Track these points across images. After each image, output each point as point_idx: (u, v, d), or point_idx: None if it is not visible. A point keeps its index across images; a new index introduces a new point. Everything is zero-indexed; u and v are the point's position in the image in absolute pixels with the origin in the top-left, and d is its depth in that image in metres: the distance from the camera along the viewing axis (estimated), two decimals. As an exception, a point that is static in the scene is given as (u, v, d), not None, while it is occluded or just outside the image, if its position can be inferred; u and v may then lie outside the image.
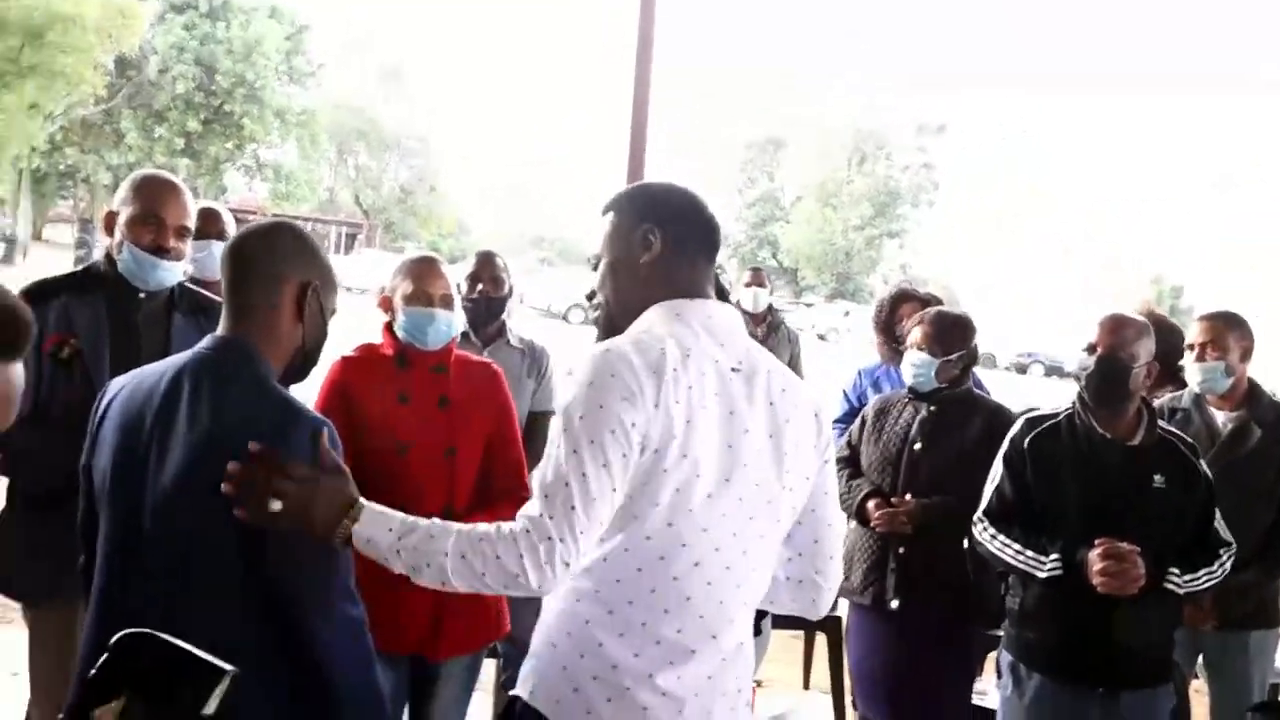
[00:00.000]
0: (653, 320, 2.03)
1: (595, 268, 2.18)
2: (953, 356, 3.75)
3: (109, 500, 2.11)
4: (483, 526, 1.87)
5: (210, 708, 1.22)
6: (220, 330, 2.15)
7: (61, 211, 45.73)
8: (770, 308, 6.55)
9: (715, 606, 1.97)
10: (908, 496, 3.70)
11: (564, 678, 1.94)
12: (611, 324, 2.14)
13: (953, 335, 3.78)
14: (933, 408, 3.76)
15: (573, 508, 1.82)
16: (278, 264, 2.14)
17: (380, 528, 1.90)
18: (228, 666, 1.25)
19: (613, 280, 2.13)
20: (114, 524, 2.10)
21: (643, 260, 2.08)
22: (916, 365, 3.77)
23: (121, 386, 2.17)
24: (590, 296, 2.20)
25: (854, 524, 3.79)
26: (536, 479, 1.90)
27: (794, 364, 6.08)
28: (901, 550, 3.71)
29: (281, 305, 2.13)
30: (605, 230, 2.15)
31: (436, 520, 1.93)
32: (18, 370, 1.14)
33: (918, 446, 3.74)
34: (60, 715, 1.47)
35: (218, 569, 1.99)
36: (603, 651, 1.93)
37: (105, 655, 1.28)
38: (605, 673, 1.92)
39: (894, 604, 3.69)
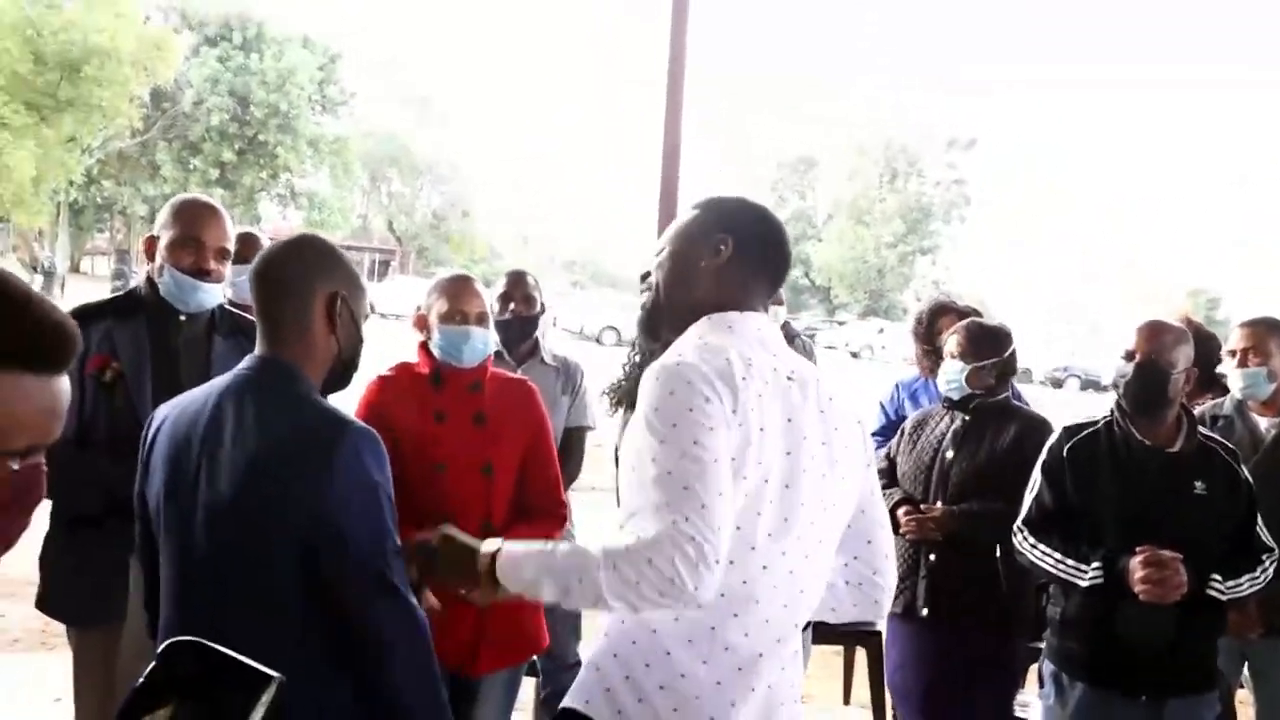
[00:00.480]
0: (704, 331, 2.02)
1: (659, 253, 2.16)
2: (985, 363, 3.74)
3: (164, 525, 2.14)
4: (624, 537, 1.82)
5: (257, 715, 1.22)
6: (257, 350, 2.16)
7: (98, 244, 46.25)
8: (785, 323, 6.57)
9: (780, 610, 1.96)
10: (938, 504, 3.69)
11: (627, 687, 1.92)
12: (655, 308, 2.14)
13: (984, 342, 3.77)
14: (967, 417, 3.75)
15: (703, 506, 1.76)
16: (303, 279, 2.15)
17: (521, 551, 1.93)
18: (274, 673, 1.25)
19: (670, 268, 2.12)
20: (171, 548, 2.13)
21: (704, 264, 2.07)
22: (949, 373, 3.77)
23: (168, 414, 2.20)
24: (644, 277, 2.19)
25: None
26: (642, 503, 1.82)
27: None
28: (932, 557, 3.70)
29: (313, 319, 2.14)
30: (683, 220, 2.14)
31: (565, 542, 1.93)
32: (64, 384, 1.15)
33: (949, 454, 3.74)
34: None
35: (271, 585, 2.00)
36: (670, 660, 1.91)
37: (152, 664, 1.29)
38: (673, 681, 1.90)
39: (924, 611, 3.68)
